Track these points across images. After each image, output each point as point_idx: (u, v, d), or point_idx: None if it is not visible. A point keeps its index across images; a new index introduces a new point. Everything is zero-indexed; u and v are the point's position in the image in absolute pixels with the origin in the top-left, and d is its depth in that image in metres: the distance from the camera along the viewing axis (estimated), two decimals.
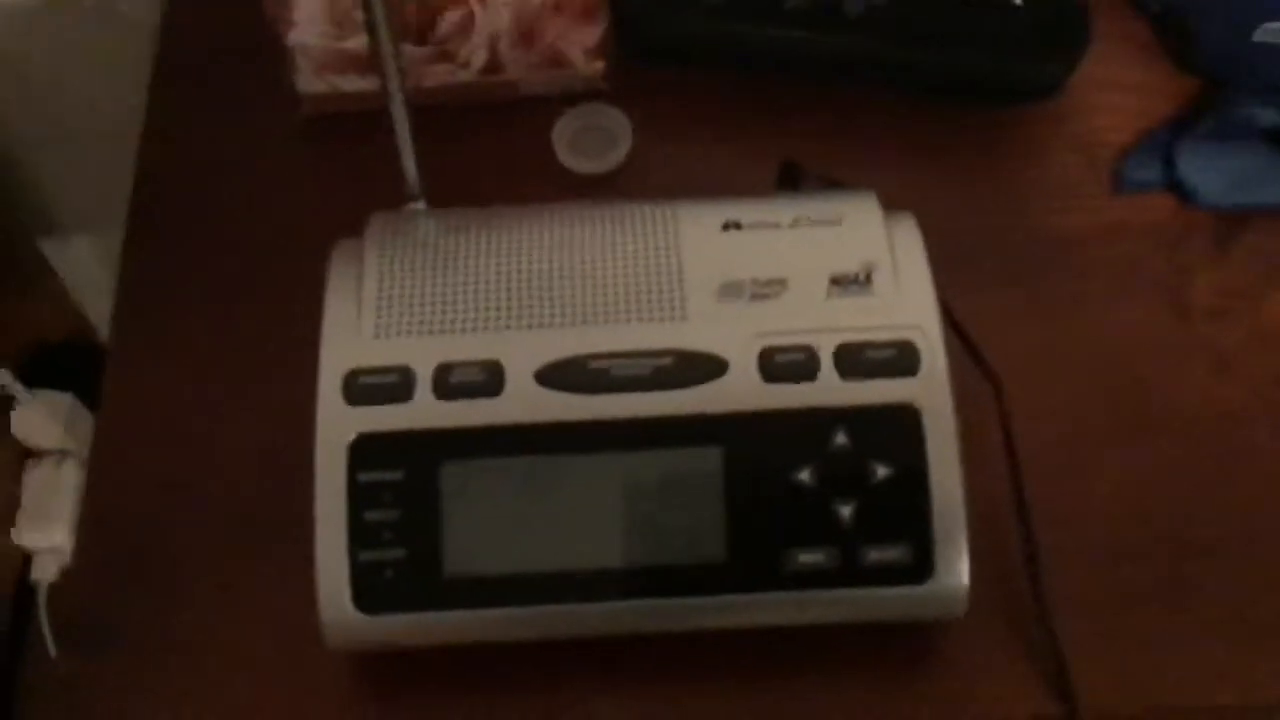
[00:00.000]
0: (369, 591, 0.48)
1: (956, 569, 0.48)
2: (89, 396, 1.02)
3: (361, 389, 0.48)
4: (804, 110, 0.64)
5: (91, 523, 0.55)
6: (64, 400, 0.99)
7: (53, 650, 0.97)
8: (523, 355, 0.49)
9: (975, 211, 0.61)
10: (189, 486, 0.56)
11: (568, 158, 0.64)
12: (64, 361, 1.03)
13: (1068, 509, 0.53)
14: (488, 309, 0.50)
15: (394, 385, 0.48)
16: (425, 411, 0.48)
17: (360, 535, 0.47)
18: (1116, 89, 0.65)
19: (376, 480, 0.48)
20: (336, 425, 0.48)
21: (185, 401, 0.58)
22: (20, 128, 0.92)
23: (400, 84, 0.52)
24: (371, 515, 0.48)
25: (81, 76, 0.87)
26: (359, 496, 0.48)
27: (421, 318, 0.50)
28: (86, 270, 1.04)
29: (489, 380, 0.48)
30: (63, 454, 1.00)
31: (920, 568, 0.48)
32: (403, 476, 0.48)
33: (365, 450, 0.48)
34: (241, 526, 0.54)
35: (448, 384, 0.48)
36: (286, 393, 0.50)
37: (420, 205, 0.55)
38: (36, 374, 0.99)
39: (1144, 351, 0.57)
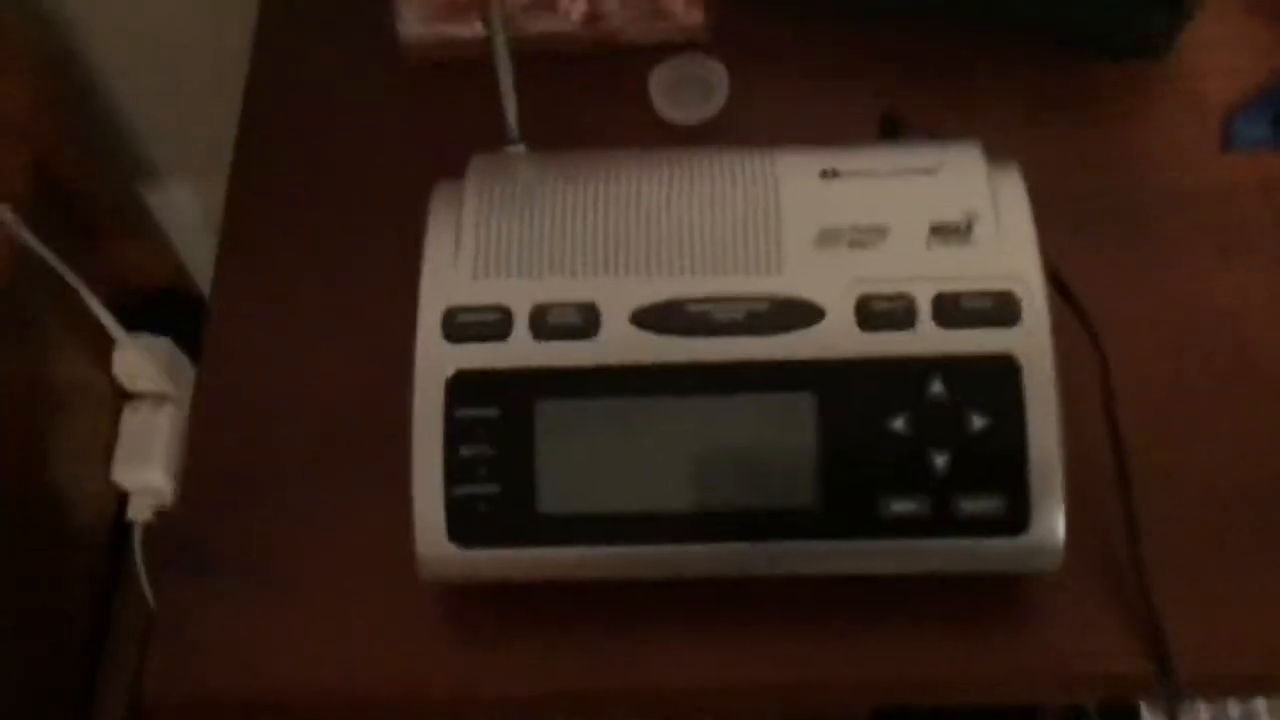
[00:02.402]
0: (463, 525, 0.48)
1: (1052, 522, 0.47)
2: (186, 344, 1.05)
3: (460, 327, 0.49)
4: (906, 64, 0.63)
5: (195, 452, 0.57)
6: (163, 344, 1.01)
7: (147, 590, 1.00)
8: (619, 298, 0.49)
9: (1083, 167, 0.60)
10: (289, 419, 0.57)
11: (664, 107, 0.64)
12: (162, 308, 1.06)
13: (1168, 469, 0.52)
14: (585, 252, 0.50)
15: (492, 324, 0.49)
16: (522, 350, 0.49)
17: (456, 470, 0.48)
18: (1227, 48, 0.63)
19: (473, 416, 0.48)
20: (435, 362, 0.49)
21: (286, 338, 0.59)
22: (130, 77, 0.94)
23: (503, 25, 0.52)
24: (467, 450, 0.48)
25: (189, 25, 0.88)
26: (455, 432, 0.48)
27: (519, 259, 0.50)
28: (187, 219, 1.06)
29: (585, 322, 0.49)
30: (161, 397, 1.03)
31: (1015, 520, 0.47)
32: (498, 414, 0.48)
33: (462, 387, 0.49)
34: (339, 459, 0.55)
35: (544, 324, 0.49)
36: (385, 332, 0.50)
37: (520, 149, 0.55)
38: (135, 319, 1.02)
39: (1250, 313, 0.56)
